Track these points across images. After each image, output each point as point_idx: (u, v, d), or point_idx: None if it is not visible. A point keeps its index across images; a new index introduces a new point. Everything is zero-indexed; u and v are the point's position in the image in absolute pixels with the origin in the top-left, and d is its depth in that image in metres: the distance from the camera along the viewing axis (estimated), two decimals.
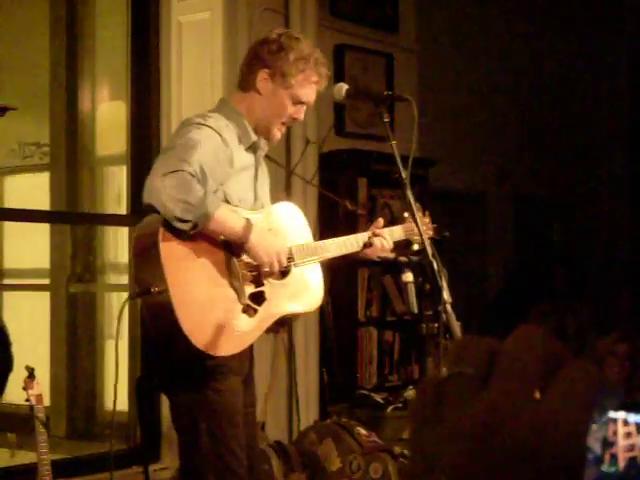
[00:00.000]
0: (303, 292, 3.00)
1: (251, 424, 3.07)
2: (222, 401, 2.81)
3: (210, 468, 2.80)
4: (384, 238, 3.07)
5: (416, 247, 3.26)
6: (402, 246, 3.09)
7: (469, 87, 6.77)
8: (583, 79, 7.48)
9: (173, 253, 2.69)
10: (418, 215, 3.26)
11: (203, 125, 2.81)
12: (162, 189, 2.63)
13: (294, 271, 2.95)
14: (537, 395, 0.54)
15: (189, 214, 2.64)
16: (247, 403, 3.00)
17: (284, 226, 3.00)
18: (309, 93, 2.98)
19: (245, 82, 2.99)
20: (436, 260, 2.54)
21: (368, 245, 3.08)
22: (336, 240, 3.05)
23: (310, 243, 3.04)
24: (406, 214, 3.24)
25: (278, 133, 3.00)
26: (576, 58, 7.46)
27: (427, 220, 3.30)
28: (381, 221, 3.13)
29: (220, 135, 2.83)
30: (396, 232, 3.17)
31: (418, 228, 2.69)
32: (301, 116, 3.02)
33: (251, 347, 3.00)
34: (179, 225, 2.65)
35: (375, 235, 3.08)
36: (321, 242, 3.05)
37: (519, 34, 7.12)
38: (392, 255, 3.09)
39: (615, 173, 7.72)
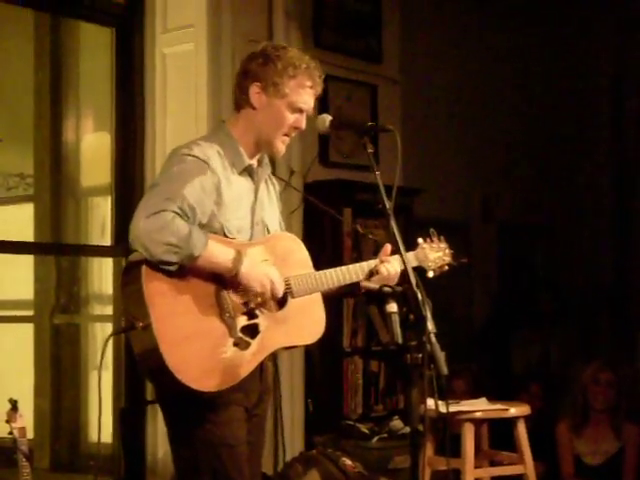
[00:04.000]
0: (302, 324, 2.87)
1: (255, 463, 2.93)
2: (220, 433, 2.72)
3: None
4: (392, 265, 2.94)
5: (431, 274, 3.16)
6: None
7: (452, 117, 6.80)
8: (567, 106, 7.53)
9: (158, 288, 2.62)
10: (434, 241, 3.19)
11: (187, 155, 2.75)
12: (144, 233, 2.59)
13: (292, 302, 2.84)
14: None
15: (174, 256, 2.59)
16: (251, 440, 2.86)
17: (282, 257, 2.88)
18: (306, 99, 2.88)
19: (239, 101, 2.92)
20: (420, 290, 2.51)
21: (375, 273, 2.95)
22: (338, 269, 2.93)
23: (309, 273, 2.91)
24: (420, 240, 3.15)
25: (281, 146, 2.90)
26: (560, 85, 7.50)
27: (444, 246, 3.21)
28: (389, 247, 2.96)
29: (206, 163, 2.75)
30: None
31: (402, 258, 2.59)
32: (302, 125, 2.91)
33: (261, 381, 2.89)
34: (164, 267, 2.61)
35: (382, 262, 2.96)
36: (322, 272, 2.92)
37: (503, 64, 7.16)
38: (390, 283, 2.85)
39: (598, 199, 7.75)
